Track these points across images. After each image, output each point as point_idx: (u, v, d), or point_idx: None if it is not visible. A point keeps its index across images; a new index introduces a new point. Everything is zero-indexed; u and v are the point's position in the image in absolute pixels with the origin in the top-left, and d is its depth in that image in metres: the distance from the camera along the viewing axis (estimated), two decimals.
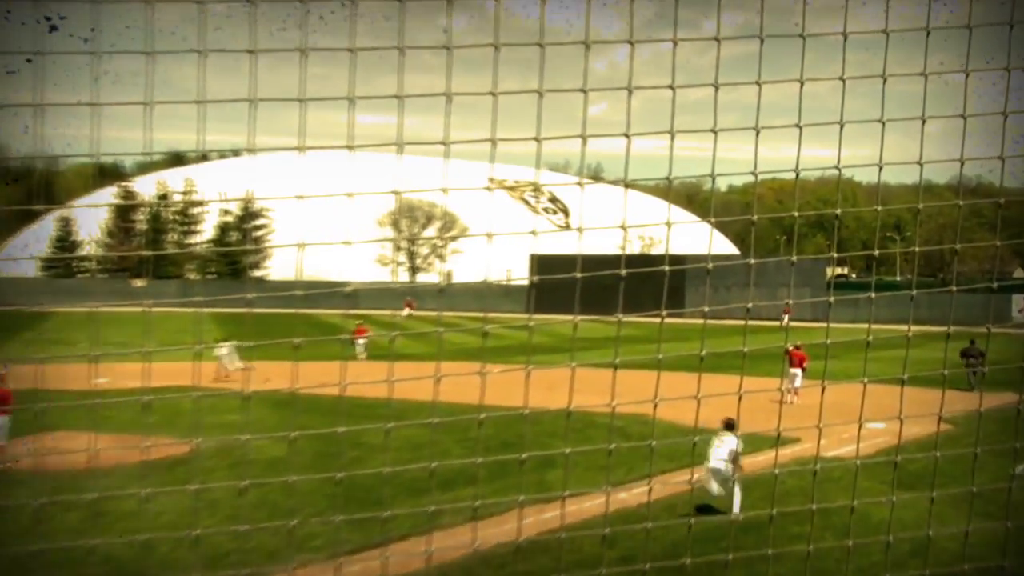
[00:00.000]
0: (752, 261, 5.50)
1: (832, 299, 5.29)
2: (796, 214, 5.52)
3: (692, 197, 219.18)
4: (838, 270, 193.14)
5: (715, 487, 20.85)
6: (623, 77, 5.60)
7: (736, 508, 20.58)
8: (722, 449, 20.89)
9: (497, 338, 63.74)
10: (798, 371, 38.65)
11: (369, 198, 5.33)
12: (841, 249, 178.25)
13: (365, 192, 5.15)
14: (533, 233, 4.98)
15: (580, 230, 5.15)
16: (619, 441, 25.21)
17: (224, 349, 43.49)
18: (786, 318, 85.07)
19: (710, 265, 5.50)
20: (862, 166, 5.84)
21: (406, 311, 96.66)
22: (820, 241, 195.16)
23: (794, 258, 5.50)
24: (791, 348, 38.92)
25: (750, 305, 5.56)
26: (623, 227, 5.08)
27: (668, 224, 5.29)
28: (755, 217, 5.44)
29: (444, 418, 5.72)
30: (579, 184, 5.15)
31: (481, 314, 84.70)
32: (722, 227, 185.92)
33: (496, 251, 5.56)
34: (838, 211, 5.46)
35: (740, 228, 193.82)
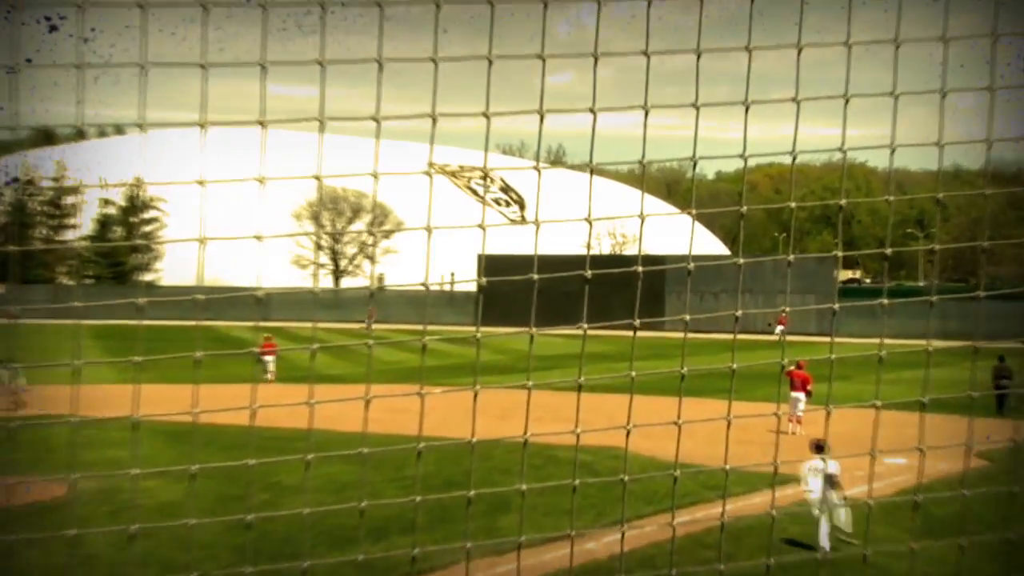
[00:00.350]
0: (741, 261, 5.49)
1: (836, 306, 5.29)
2: (793, 204, 5.52)
3: (673, 186, 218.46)
4: (849, 274, 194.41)
5: (842, 515, 21.65)
6: (592, 41, 5.60)
7: (849, 528, 21.28)
8: (820, 478, 21.80)
9: (438, 355, 63.48)
10: (800, 395, 38.00)
11: (284, 186, 5.33)
12: (852, 248, 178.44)
13: (280, 177, 5.10)
14: (481, 227, 4.94)
15: (537, 223, 5.11)
16: (585, 478, 25.21)
17: (5, 371, 43.77)
18: (779, 329, 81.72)
19: (691, 266, 5.50)
20: (872, 148, 5.88)
21: (368, 322, 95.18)
22: (827, 239, 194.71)
23: (790, 257, 5.48)
24: (792, 368, 38.97)
25: (739, 312, 5.54)
26: (588, 220, 5.05)
27: (641, 217, 5.24)
28: (744, 208, 5.44)
29: (375, 448, 5.71)
30: (535, 168, 5.12)
31: (420, 326, 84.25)
32: (709, 222, 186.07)
33: (437, 250, 5.56)
34: (843, 201, 5.45)
35: (731, 223, 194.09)
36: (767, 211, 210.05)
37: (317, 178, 5.16)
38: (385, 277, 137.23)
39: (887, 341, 5.90)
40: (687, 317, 5.46)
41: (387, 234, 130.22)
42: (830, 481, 21.77)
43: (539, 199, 5.06)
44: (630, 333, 5.33)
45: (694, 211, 5.20)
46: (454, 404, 5.64)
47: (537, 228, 5.04)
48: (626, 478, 6.03)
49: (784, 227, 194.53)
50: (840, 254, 5.70)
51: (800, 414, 36.88)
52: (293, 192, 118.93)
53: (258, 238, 5.12)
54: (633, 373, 5.50)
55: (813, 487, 21.98)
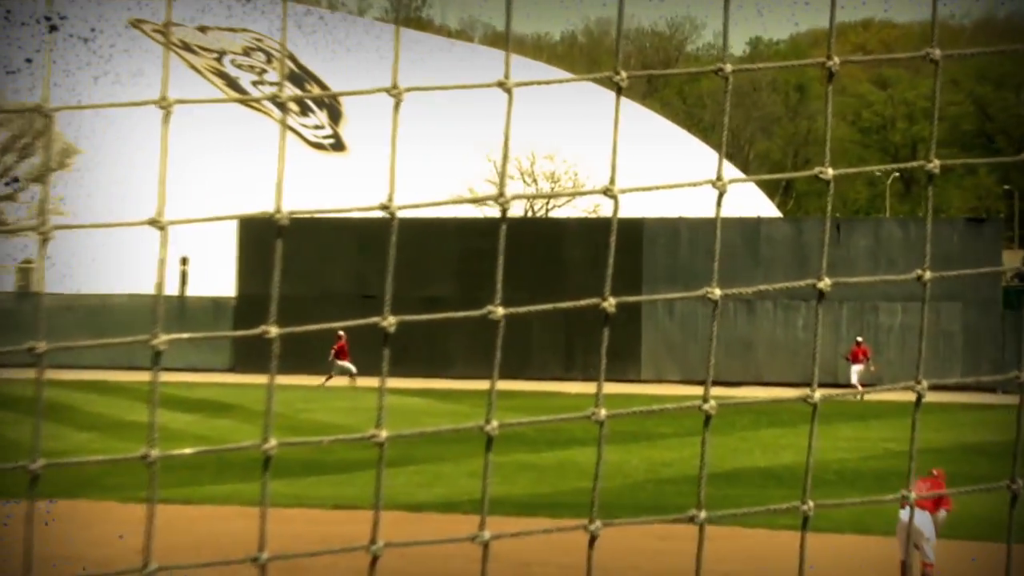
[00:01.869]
0: (831, 172, 3.39)
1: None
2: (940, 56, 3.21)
3: (655, 80, 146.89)
4: None
5: None
6: None
7: None
8: None
9: (136, 433, 33.89)
10: (927, 522, 22.09)
11: None
12: None
13: None
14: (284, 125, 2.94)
15: (395, 90, 2.92)
16: None
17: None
18: (854, 371, 54.14)
19: (726, 180, 3.35)
20: None
21: (343, 371, 54.75)
22: (985, 182, 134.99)
23: (932, 165, 3.33)
24: (922, 478, 21.13)
25: (821, 283, 3.39)
26: (504, 85, 2.89)
27: (623, 80, 3.04)
28: (834, 61, 3.27)
29: None
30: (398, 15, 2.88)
31: (114, 371, 62.67)
32: (733, 154, 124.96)
33: (148, 212, 3.18)
34: None
35: (779, 153, 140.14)
36: (862, 130, 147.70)
37: None
38: (39, 274, 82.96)
39: None
40: (716, 292, 3.35)
41: (40, 176, 78.80)
42: None
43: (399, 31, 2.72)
44: (558, 387, 3.20)
45: (729, 67, 3.21)
46: (182, 542, 3.40)
47: (397, 105, 2.84)
48: None
49: (895, 156, 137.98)
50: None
51: (931, 561, 22.18)
52: None
53: None
54: (603, 414, 3.41)
55: None
